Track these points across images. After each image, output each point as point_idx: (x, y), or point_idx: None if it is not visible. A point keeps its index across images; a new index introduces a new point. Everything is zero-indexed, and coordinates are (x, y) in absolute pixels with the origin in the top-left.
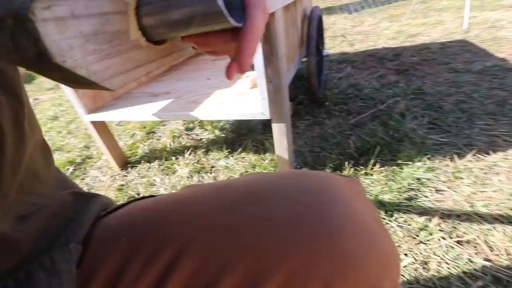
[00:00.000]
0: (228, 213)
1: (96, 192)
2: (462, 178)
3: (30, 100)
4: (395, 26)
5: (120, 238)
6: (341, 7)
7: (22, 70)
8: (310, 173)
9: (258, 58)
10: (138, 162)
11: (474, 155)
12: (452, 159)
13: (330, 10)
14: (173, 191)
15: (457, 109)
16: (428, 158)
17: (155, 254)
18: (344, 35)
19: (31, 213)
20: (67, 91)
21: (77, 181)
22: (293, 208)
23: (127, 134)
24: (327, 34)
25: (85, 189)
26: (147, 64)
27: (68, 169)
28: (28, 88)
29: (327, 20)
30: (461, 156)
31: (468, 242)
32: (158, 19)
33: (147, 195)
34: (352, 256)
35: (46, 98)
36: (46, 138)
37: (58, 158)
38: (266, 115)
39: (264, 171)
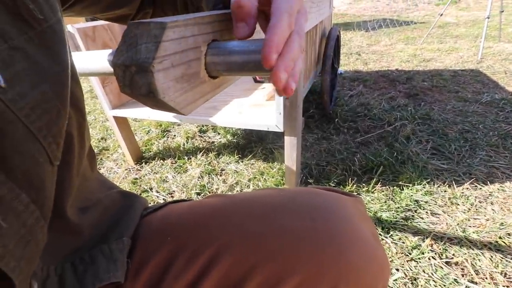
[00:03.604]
0: (259, 222)
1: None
2: (458, 204)
3: None
4: (410, 49)
5: (166, 237)
6: (359, 23)
7: None
8: (323, 193)
9: None
10: (152, 158)
11: (471, 183)
12: (450, 185)
13: (348, 26)
14: (199, 198)
15: (461, 138)
16: (428, 182)
17: (196, 253)
18: (359, 53)
19: (88, 207)
20: (96, 87)
21: None
22: (310, 223)
23: (143, 131)
24: (343, 50)
25: None
26: (206, 95)
27: None
28: None
29: (344, 36)
30: (459, 183)
31: (456, 264)
32: (221, 59)
33: (180, 198)
34: (355, 266)
35: None
36: None
37: None
38: (280, 128)
39: (277, 186)
